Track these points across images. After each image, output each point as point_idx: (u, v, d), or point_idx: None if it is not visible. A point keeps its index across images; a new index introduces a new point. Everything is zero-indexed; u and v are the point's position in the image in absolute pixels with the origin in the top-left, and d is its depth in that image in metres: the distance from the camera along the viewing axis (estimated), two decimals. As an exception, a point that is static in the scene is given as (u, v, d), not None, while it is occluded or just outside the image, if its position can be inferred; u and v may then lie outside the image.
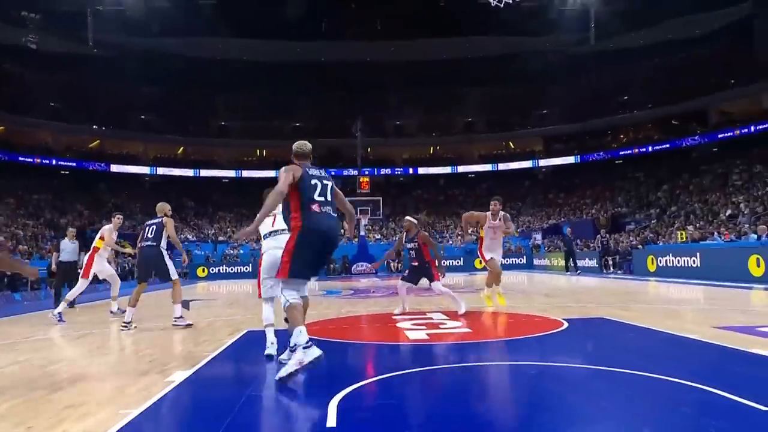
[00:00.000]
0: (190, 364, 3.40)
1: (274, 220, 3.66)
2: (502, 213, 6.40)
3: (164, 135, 32.28)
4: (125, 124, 31.56)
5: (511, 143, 34.52)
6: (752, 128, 27.13)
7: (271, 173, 31.46)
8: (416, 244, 5.88)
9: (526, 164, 32.69)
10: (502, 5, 27.70)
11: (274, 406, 2.81)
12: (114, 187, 30.46)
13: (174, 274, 6.01)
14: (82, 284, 6.90)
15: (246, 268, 21.82)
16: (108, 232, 7.06)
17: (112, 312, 7.10)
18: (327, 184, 3.08)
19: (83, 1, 24.84)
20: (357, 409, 2.55)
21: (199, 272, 22.24)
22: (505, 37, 29.75)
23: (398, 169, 34.23)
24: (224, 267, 23.22)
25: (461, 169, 32.89)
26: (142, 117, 32.10)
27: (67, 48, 27.71)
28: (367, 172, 30.47)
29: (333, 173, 32.42)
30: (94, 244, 7.11)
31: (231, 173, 32.41)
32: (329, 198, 3.05)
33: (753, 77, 27.20)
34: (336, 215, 3.12)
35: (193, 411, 2.69)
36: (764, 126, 26.72)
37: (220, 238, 27.95)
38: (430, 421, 2.39)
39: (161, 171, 31.15)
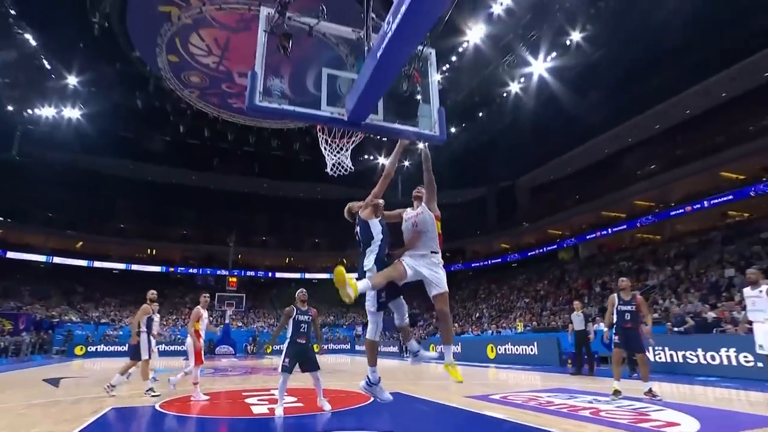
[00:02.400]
0: None
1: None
2: None
3: (65, 231, 36.50)
4: (26, 219, 34.70)
5: (344, 260, 44.91)
6: (489, 261, 39.98)
7: (157, 268, 38.51)
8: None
9: (355, 275, 43.11)
10: (346, 172, 41.18)
11: None
12: (5, 271, 32.50)
13: (143, 354, 7.06)
14: None
15: (123, 348, 22.35)
16: None
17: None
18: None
19: (16, 120, 27.49)
20: None
21: (77, 350, 23.36)
22: (344, 187, 37.52)
23: (260, 272, 40.48)
24: (102, 346, 24.44)
25: (308, 275, 39.42)
26: (49, 214, 36.22)
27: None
28: (235, 273, 36.36)
29: (209, 272, 40.61)
30: None
31: (122, 266, 35.66)
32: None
33: (487, 231, 42.00)
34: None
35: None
36: (495, 260, 39.18)
37: (102, 320, 29.83)
38: None
39: (57, 260, 34.65)
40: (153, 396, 6.89)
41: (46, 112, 27.39)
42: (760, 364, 7.86)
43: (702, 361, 9.90)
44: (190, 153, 32.76)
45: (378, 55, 3.16)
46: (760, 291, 6.05)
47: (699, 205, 25.82)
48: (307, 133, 30.11)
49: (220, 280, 37.14)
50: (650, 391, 6.18)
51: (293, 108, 3.63)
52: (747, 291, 6.35)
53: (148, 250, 40.44)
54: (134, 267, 36.69)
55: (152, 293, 7.66)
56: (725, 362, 9.40)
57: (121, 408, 5.57)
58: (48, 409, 5.43)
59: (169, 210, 40.13)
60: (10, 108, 26.93)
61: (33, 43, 21.83)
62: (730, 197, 24.75)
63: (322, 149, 4.62)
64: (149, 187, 39.20)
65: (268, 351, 27.58)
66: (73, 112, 27.81)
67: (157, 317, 7.86)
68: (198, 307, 7.19)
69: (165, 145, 31.47)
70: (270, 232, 43.59)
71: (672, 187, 28.58)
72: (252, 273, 40.55)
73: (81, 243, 37.62)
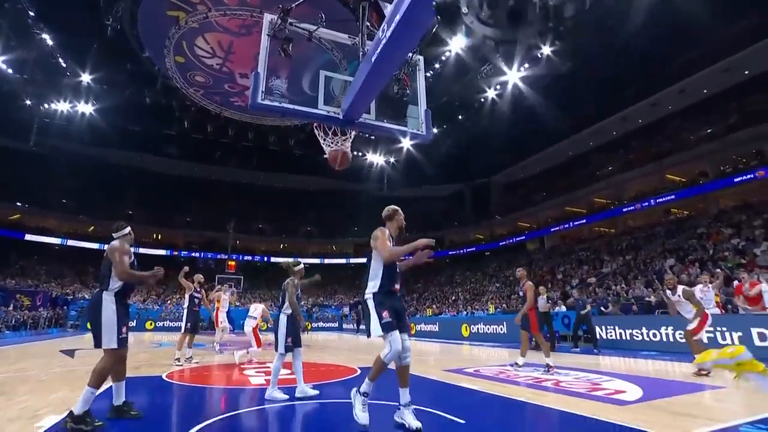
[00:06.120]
0: (64, 409, 3.18)
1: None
2: None
3: (78, 216, 35.89)
4: (43, 205, 34.15)
5: (333, 246, 43.61)
6: (465, 250, 40.54)
7: (162, 251, 38.08)
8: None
9: (342, 261, 41.30)
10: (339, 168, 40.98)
11: None
12: (23, 252, 32.34)
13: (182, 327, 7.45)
14: None
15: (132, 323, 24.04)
16: None
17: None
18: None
19: (34, 111, 27.11)
20: None
21: (89, 325, 25.48)
22: (334, 180, 37.45)
23: (257, 256, 40.31)
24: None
25: (301, 260, 42.11)
26: (63, 201, 35.61)
27: (8, 143, 30.44)
28: (234, 257, 36.70)
29: (210, 256, 40.21)
30: None
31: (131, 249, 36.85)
32: None
33: (464, 222, 42.47)
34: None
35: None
36: (471, 249, 39.80)
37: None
38: None
39: (71, 243, 34.27)
40: (177, 365, 7.05)
41: (62, 106, 26.99)
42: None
43: (645, 338, 10.21)
44: (194, 146, 32.39)
45: (373, 59, 3.14)
46: (678, 295, 6.35)
47: (647, 203, 26.51)
48: (301, 130, 29.79)
49: (220, 264, 36.96)
50: (549, 366, 6.26)
51: (293, 106, 3.60)
52: (669, 293, 6.59)
53: (155, 235, 39.86)
54: (141, 250, 35.90)
55: (199, 277, 7.90)
56: (664, 339, 9.71)
57: (132, 377, 5.54)
58: (65, 377, 5.39)
59: (174, 198, 39.36)
60: (28, 102, 26.57)
61: (50, 42, 21.32)
62: (673, 197, 25.47)
63: (321, 142, 4.58)
64: (156, 177, 38.60)
65: (309, 328, 27.68)
66: (86, 107, 27.26)
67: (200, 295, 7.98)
68: (220, 292, 7.97)
69: (170, 139, 31.11)
70: (266, 220, 43.11)
71: (626, 187, 29.18)
72: (249, 257, 40.29)
73: (93, 227, 37.04)
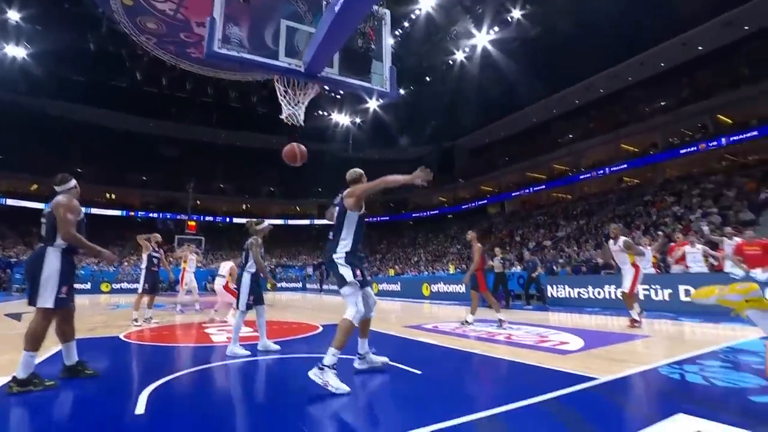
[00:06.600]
0: (11, 372, 3.01)
1: None
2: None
3: (17, 173, 33.12)
4: None
5: (297, 207, 43.21)
6: (428, 213, 40.95)
7: (117, 212, 36.32)
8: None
9: (306, 222, 41.39)
10: (298, 125, 39.72)
11: (88, 396, 2.80)
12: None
13: (139, 288, 7.46)
14: None
15: (86, 285, 22.41)
16: None
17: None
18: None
19: None
20: (164, 397, 2.67)
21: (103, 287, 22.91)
22: (299, 140, 40.92)
23: (219, 217, 39.71)
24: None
25: (266, 220, 41.43)
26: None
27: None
28: (194, 218, 34.94)
29: (169, 216, 38.71)
30: None
31: (82, 209, 34.48)
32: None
33: (427, 185, 43.85)
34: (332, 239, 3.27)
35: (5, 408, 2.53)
36: (434, 212, 40.55)
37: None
38: (221, 405, 2.62)
39: (10, 202, 32.09)
40: (136, 326, 6.88)
41: (-14, 48, 23.90)
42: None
43: (591, 296, 11.00)
44: (148, 101, 30.16)
45: (336, 8, 2.98)
46: (619, 245, 6.75)
47: (603, 172, 27.76)
48: (264, 87, 28.36)
49: (180, 224, 35.50)
50: (501, 320, 6.62)
51: (252, 56, 3.40)
52: (610, 244, 7.01)
53: (107, 194, 37.85)
54: (94, 211, 34.04)
55: (156, 236, 7.74)
56: (607, 296, 10.51)
57: (86, 338, 5.34)
58: (13, 340, 5.17)
59: (128, 156, 36.97)
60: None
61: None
62: (626, 166, 26.79)
63: (280, 98, 4.39)
64: (104, 131, 35.91)
65: (274, 287, 26.71)
66: (17, 51, 24.49)
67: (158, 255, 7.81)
68: (186, 252, 8.25)
69: (121, 92, 28.59)
70: (228, 179, 41.91)
71: (584, 155, 30.27)
72: (211, 218, 39.42)
73: (35, 185, 34.58)
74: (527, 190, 33.12)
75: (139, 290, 7.56)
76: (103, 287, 23.52)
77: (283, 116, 4.51)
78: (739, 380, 3.14)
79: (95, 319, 8.49)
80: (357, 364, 3.60)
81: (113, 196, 38.04)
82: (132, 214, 36.92)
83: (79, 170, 35.59)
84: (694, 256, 9.29)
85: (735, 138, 21.25)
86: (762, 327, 2.05)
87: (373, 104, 30.95)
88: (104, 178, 36.62)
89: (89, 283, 22.50)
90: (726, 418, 2.26)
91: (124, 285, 23.86)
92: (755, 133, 20.58)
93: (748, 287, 2.04)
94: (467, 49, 25.21)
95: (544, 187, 31.98)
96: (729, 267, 8.23)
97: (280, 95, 4.36)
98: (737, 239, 8.39)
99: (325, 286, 24.99)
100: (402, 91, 28.28)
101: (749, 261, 7.57)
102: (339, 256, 3.23)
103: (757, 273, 7.24)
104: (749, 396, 2.75)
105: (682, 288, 8.98)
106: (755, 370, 3.45)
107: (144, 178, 39.20)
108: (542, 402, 2.60)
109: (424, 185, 3.12)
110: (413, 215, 41.92)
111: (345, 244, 3.26)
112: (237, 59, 3.38)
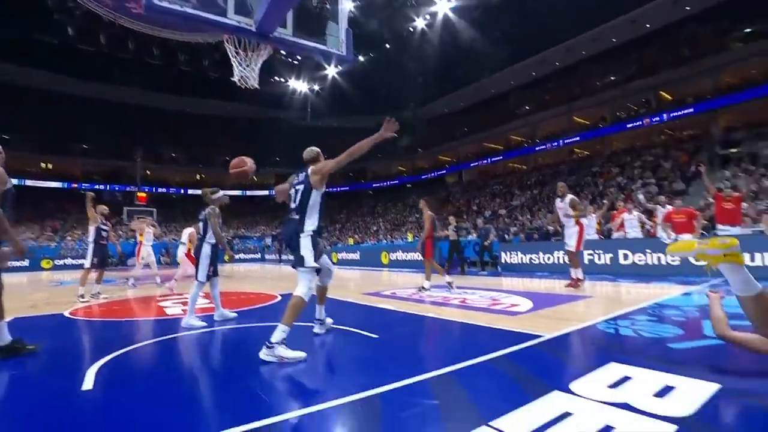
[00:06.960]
0: None
1: None
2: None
3: None
4: None
5: (254, 177, 42.64)
6: (387, 183, 41.10)
7: (57, 184, 33.62)
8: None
9: (265, 193, 39.55)
10: (252, 88, 37.85)
11: (30, 374, 2.70)
12: None
13: (86, 263, 7.05)
14: None
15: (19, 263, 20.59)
16: None
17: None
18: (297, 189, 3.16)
19: None
20: (112, 372, 2.61)
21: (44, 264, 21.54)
22: (255, 107, 37.12)
23: (172, 188, 37.89)
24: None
25: (221, 190, 39.81)
26: None
27: None
28: (145, 189, 33.75)
29: (116, 188, 36.27)
30: None
31: (14, 181, 31.67)
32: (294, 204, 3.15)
33: (387, 155, 41.34)
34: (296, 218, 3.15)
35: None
36: (393, 182, 40.78)
37: None
38: (175, 376, 2.59)
39: None
40: (82, 302, 6.61)
41: None
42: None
43: (542, 261, 11.64)
44: (85, 61, 27.16)
45: (286, -38, 2.79)
46: (565, 203, 7.22)
47: (557, 143, 28.82)
48: (216, 49, 26.53)
49: (129, 196, 33.81)
50: (449, 283, 7.01)
51: (196, 11, 3.13)
52: (557, 202, 7.44)
53: (43, 164, 34.81)
54: (29, 182, 31.62)
55: (103, 208, 7.38)
56: (557, 261, 11.16)
57: (24, 316, 5.05)
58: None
59: (64, 121, 33.67)
60: None
61: None
62: (578, 138, 27.94)
63: (231, 59, 4.13)
64: (33, 94, 32.18)
65: (229, 260, 26.12)
66: None
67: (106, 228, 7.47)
68: (143, 224, 8.11)
69: (50, 49, 25.58)
70: (180, 148, 39.48)
71: (539, 127, 31.16)
72: (163, 189, 37.60)
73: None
74: (485, 161, 33.86)
75: (87, 265, 7.14)
76: (44, 264, 21.87)
77: (235, 78, 4.27)
78: (662, 331, 3.52)
79: (35, 297, 7.98)
80: (317, 329, 3.74)
81: (50, 166, 35.07)
82: (75, 185, 34.24)
83: (6, 137, 32.46)
84: (631, 222, 10.02)
85: (674, 114, 22.67)
86: (731, 281, 2.24)
87: (331, 71, 29.91)
88: (38, 147, 33.47)
89: (27, 261, 20.88)
90: (649, 363, 2.53)
91: (68, 261, 22.40)
92: (691, 110, 22.08)
93: (728, 242, 2.20)
94: (428, 17, 24.73)
95: (501, 157, 32.83)
96: (660, 232, 8.94)
97: (231, 56, 4.10)
98: (669, 207, 9.08)
99: (284, 257, 24.71)
100: (361, 58, 27.51)
101: (676, 228, 8.26)
102: (305, 236, 3.17)
103: (684, 239, 7.93)
104: (668, 344, 3.10)
105: (621, 252, 9.69)
106: (675, 322, 3.92)
107: (85, 146, 36.14)
108: (492, 359, 2.75)
109: (395, 136, 3.05)
110: (373, 185, 41.96)
111: (311, 223, 3.21)
112: (180, 14, 3.10)
